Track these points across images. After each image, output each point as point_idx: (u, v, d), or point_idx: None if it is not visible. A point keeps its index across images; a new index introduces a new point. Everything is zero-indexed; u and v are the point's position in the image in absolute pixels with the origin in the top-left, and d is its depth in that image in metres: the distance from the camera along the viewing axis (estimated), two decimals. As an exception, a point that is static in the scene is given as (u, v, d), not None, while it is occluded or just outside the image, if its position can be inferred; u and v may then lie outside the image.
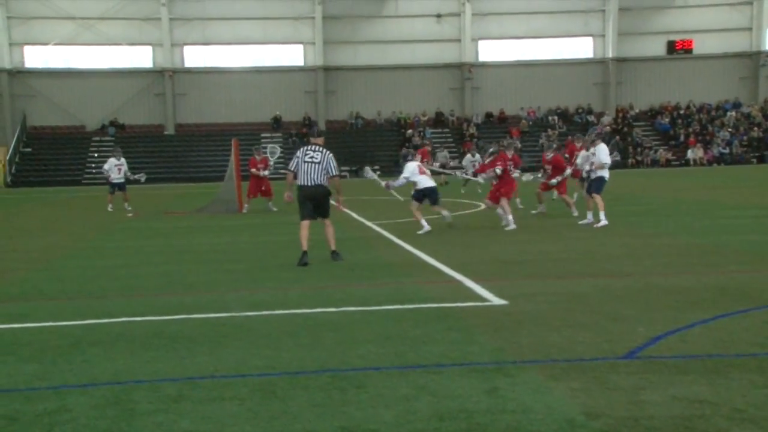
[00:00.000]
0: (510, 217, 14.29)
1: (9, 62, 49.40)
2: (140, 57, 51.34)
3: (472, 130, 51.62)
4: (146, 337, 6.32)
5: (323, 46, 51.76)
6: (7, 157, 46.78)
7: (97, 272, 10.06)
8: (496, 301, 7.43)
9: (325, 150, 10.88)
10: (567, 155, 18.00)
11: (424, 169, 14.53)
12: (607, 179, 14.33)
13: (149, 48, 51.23)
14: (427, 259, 10.48)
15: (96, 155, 48.19)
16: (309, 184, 10.70)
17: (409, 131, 51.50)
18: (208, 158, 48.54)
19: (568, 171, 16.21)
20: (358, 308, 7.27)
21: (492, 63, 53.72)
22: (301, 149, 10.94)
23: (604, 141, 15.28)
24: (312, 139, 11.11)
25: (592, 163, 14.33)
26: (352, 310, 7.22)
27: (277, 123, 51.71)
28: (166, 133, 51.34)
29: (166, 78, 50.87)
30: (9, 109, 49.34)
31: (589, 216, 14.59)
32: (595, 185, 14.23)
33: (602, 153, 14.17)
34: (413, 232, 13.98)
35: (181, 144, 50.15)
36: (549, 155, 16.63)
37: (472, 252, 11.18)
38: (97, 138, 49.98)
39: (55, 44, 49.70)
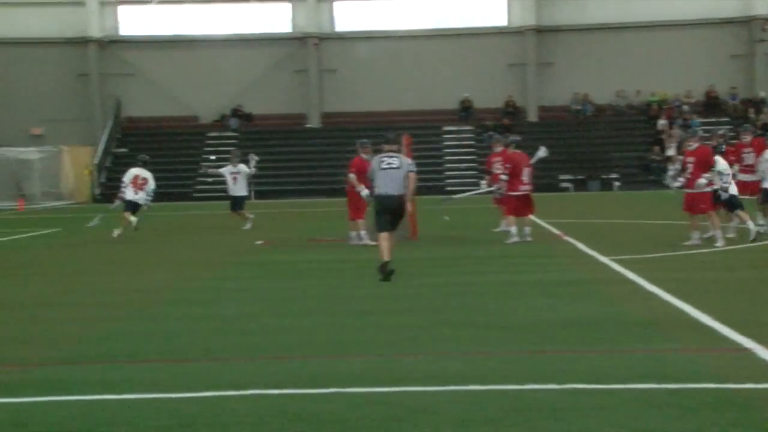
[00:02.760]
0: (718, 232, 17.45)
1: (99, 29, 52.96)
2: (274, 18, 53.47)
3: (766, 117, 49.70)
4: (283, 418, 6.52)
5: (535, -4, 51.96)
6: (96, 161, 50.05)
7: (214, 324, 10.52)
8: (810, 382, 7.12)
9: (401, 157, 14.92)
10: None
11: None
12: None
13: (287, 5, 53.32)
14: (696, 314, 10.21)
15: (213, 158, 50.61)
16: (389, 193, 14.34)
17: (662, 121, 50.36)
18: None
19: (734, 169, 18.67)
20: (590, 386, 7.17)
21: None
22: (376, 158, 14.93)
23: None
24: (386, 147, 14.80)
25: None
26: (580, 388, 7.12)
27: (466, 111, 52.22)
28: (308, 126, 53.08)
29: (309, 48, 52.70)
30: (98, 93, 52.77)
31: None
32: None
33: None
34: (677, 273, 13.75)
35: (329, 141, 51.65)
36: (692, 146, 17.83)
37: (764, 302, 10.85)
38: (215, 133, 52.46)
39: (159, 2, 52.78)
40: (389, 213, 14.41)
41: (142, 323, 10.70)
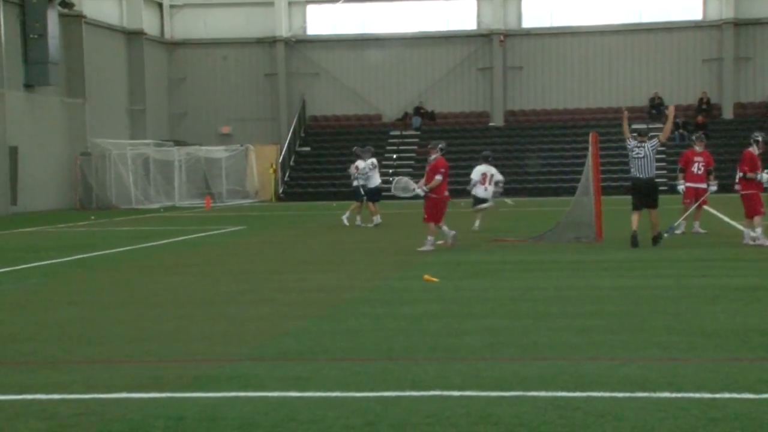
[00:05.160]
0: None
1: (287, 29, 54.27)
2: (459, 16, 53.69)
3: None
4: (467, 420, 6.55)
5: (734, -10, 50.48)
6: (280, 160, 51.27)
7: (396, 324, 10.64)
8: None
9: (647, 144, 18.87)
10: None
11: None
12: None
13: (473, 2, 53.41)
14: None
15: (395, 157, 51.19)
16: (639, 176, 18.79)
17: None
18: (551, 161, 49.33)
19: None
20: (790, 397, 6.97)
21: None
22: (631, 144, 19.07)
23: None
24: (638, 138, 19.06)
25: None
26: (781, 400, 6.92)
27: (656, 108, 51.19)
28: (491, 124, 53.07)
29: (494, 45, 52.68)
30: (284, 93, 54.17)
31: None
32: None
33: None
34: None
35: (513, 140, 51.50)
36: None
37: None
38: (397, 132, 53.01)
39: (345, 1, 53.70)
40: (641, 193, 18.72)
41: (324, 322, 10.92)
